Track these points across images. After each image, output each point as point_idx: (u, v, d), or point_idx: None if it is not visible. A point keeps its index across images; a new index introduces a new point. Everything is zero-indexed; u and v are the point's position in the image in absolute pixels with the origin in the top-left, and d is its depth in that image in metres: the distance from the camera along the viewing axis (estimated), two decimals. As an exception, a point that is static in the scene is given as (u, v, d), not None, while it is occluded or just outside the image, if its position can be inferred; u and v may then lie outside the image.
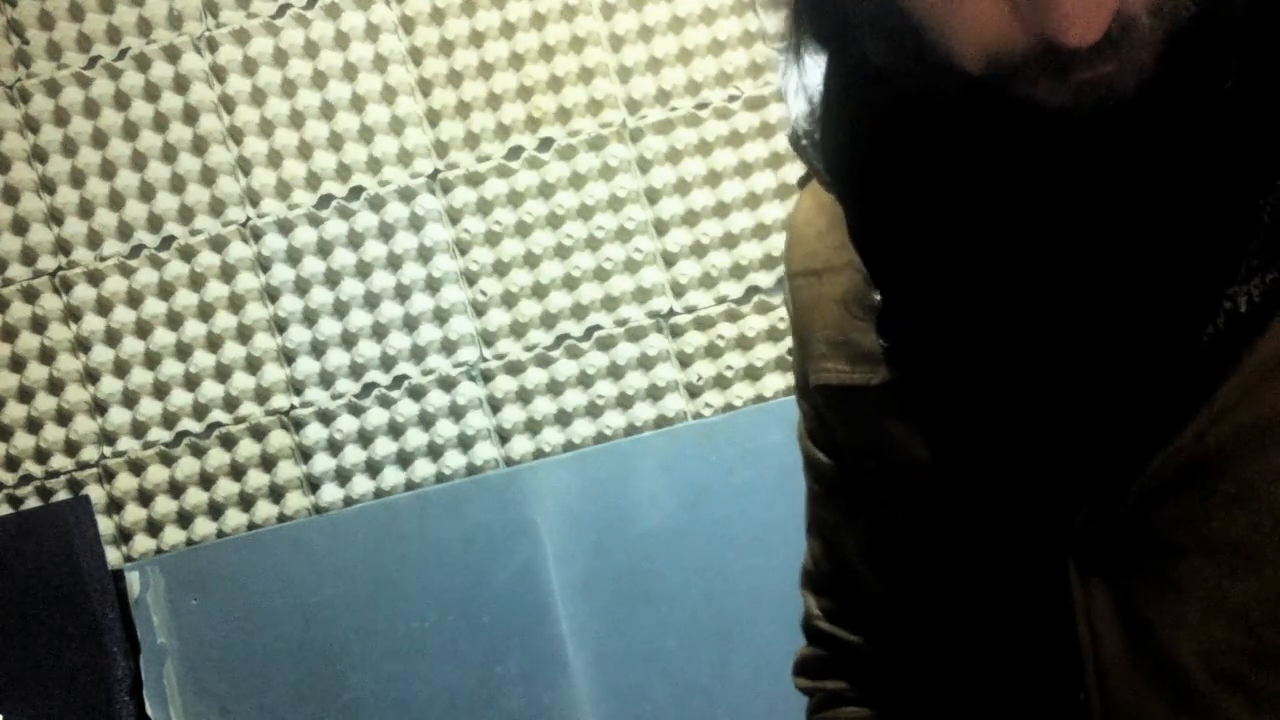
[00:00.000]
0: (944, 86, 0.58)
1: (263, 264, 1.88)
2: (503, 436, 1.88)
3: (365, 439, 1.88)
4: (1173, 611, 0.61)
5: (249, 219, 1.88)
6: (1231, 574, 0.59)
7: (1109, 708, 0.65)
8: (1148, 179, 0.57)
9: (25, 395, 1.88)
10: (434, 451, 1.87)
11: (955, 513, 0.70)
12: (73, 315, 1.88)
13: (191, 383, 1.88)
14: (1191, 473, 0.59)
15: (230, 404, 1.88)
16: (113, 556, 1.86)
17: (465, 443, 1.87)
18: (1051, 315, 0.61)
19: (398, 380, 1.88)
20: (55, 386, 1.88)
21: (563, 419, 1.87)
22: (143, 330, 1.88)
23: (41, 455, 1.88)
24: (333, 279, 1.88)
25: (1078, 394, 0.61)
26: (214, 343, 1.88)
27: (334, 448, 1.88)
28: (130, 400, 1.88)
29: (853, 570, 0.85)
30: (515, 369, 1.88)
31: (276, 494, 1.88)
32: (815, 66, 0.68)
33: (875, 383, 0.73)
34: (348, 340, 1.88)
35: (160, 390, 1.88)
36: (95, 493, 1.87)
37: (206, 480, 1.88)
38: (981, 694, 0.81)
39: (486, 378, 1.88)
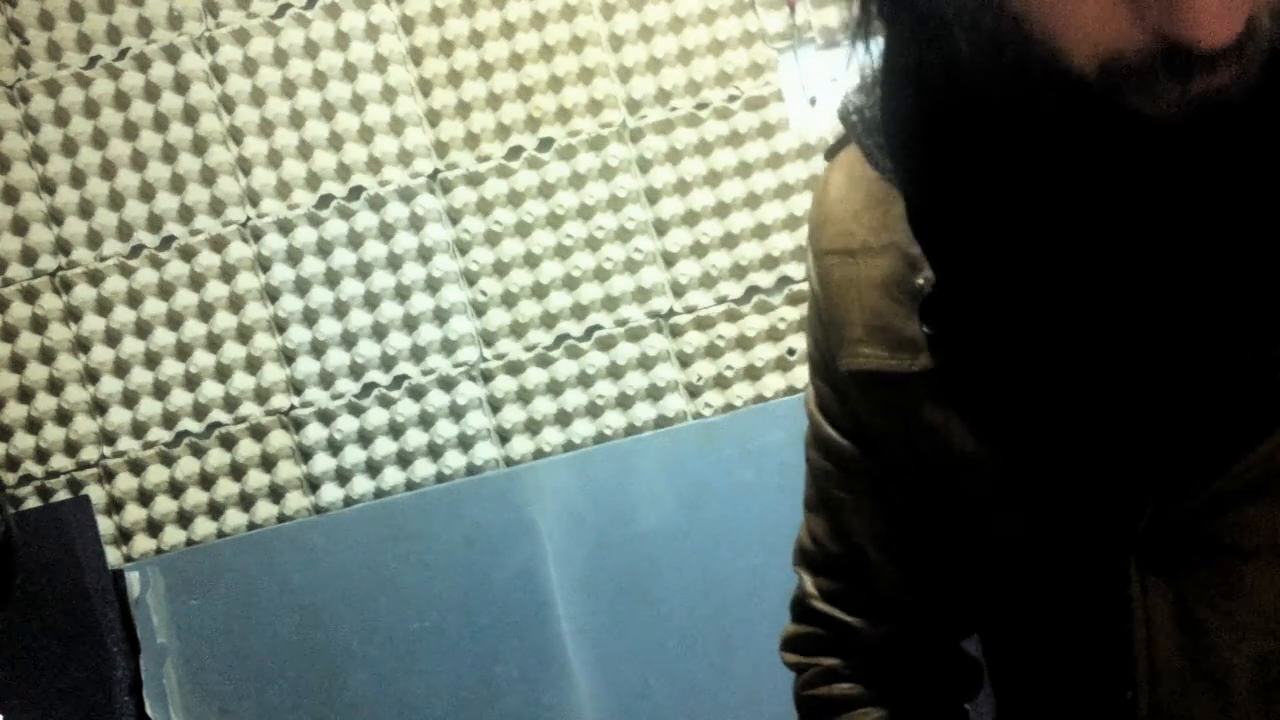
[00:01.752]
0: (1042, 88, 0.55)
1: (263, 264, 1.88)
2: (503, 436, 1.88)
3: (365, 439, 1.88)
4: (1232, 616, 0.61)
5: (249, 219, 1.88)
6: None
7: (1156, 708, 0.64)
8: (1243, 190, 0.56)
9: (25, 395, 1.88)
10: (434, 451, 1.87)
11: (1004, 503, 0.69)
12: (73, 315, 1.88)
13: (191, 383, 1.88)
14: (1267, 481, 0.59)
15: (230, 404, 1.88)
16: (113, 556, 1.86)
17: (465, 443, 1.87)
18: (1132, 317, 0.60)
19: (398, 380, 1.88)
20: (55, 386, 1.88)
21: (563, 419, 1.87)
22: (143, 330, 1.88)
23: (41, 455, 1.88)
24: (333, 279, 1.88)
25: (1154, 395, 0.61)
26: (214, 343, 1.88)
27: (334, 448, 1.88)
28: (130, 400, 1.88)
29: (862, 552, 0.84)
30: (515, 369, 1.88)
31: (276, 494, 1.88)
32: (869, 37, 0.65)
33: (915, 369, 0.71)
34: (348, 340, 1.88)
35: (160, 390, 1.88)
36: (95, 493, 1.87)
37: (206, 480, 1.88)
38: (1011, 680, 0.80)
39: (486, 378, 1.88)
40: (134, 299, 1.88)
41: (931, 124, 0.63)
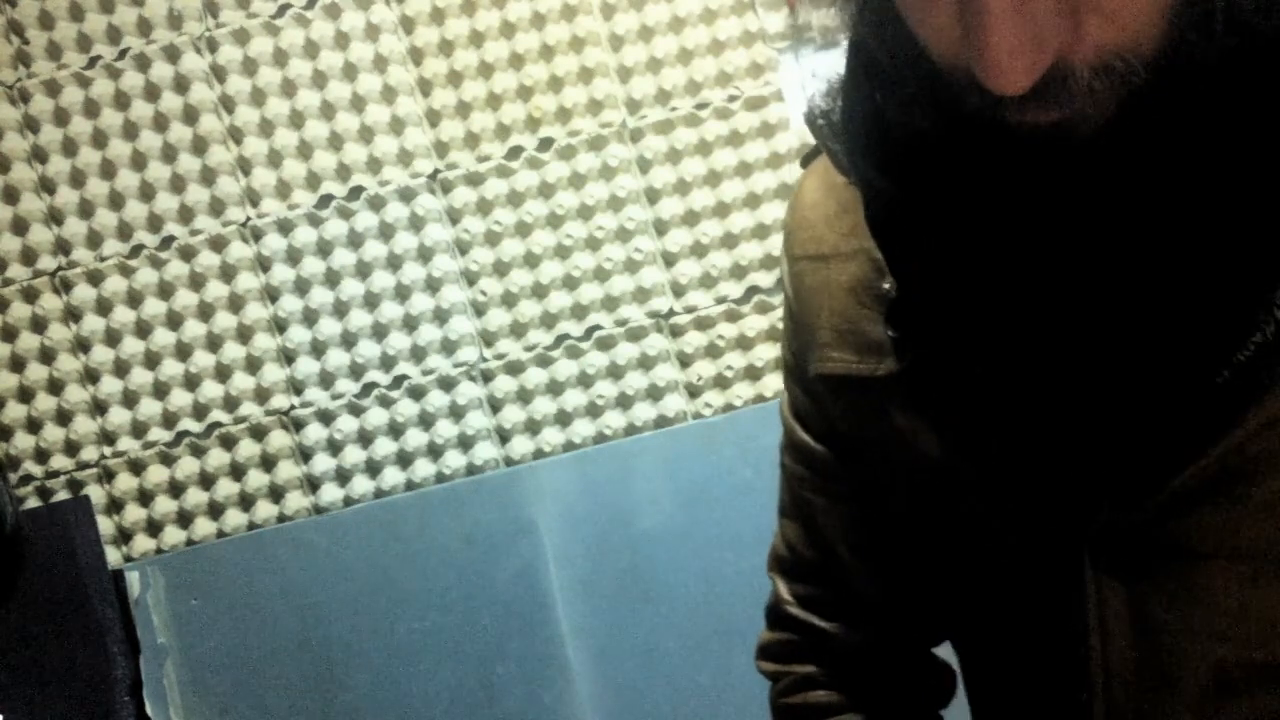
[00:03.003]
0: (931, 90, 0.57)
1: (263, 264, 1.88)
2: (503, 436, 1.88)
3: (365, 439, 1.88)
4: (1189, 617, 0.61)
5: (249, 219, 1.88)
6: (1254, 581, 0.59)
7: (1111, 710, 0.64)
8: (1148, 193, 0.56)
9: (25, 395, 1.88)
10: (434, 451, 1.87)
11: (965, 505, 0.70)
12: (73, 315, 1.88)
13: (191, 383, 1.88)
14: (1225, 480, 0.59)
15: (230, 404, 1.88)
16: (113, 556, 1.86)
17: (465, 443, 1.87)
18: (1081, 319, 0.60)
19: (398, 380, 1.88)
20: (55, 386, 1.88)
21: (563, 419, 1.87)
22: (143, 330, 1.88)
23: (41, 455, 1.88)
24: (333, 279, 1.88)
25: (1107, 395, 0.60)
26: (214, 343, 1.88)
27: (334, 448, 1.88)
28: (130, 400, 1.88)
29: (836, 556, 0.84)
30: (515, 369, 1.88)
31: (276, 494, 1.88)
32: (835, 46, 0.67)
33: (881, 373, 0.72)
34: (348, 340, 1.88)
35: (160, 390, 1.88)
36: (95, 493, 1.87)
37: (206, 480, 1.88)
38: (979, 685, 0.80)
39: (486, 378, 1.88)
40: (134, 299, 1.88)
41: (880, 130, 0.64)
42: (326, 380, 1.88)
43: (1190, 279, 0.57)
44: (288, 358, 1.88)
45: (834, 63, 0.66)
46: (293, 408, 1.88)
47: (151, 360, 1.88)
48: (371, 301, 1.88)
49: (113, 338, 1.88)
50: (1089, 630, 0.64)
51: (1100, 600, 0.63)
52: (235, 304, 1.88)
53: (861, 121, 0.65)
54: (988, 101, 0.53)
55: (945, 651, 0.87)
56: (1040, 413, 0.63)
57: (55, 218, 1.89)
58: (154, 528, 1.87)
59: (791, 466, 0.86)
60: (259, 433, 1.88)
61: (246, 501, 1.88)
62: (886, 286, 0.70)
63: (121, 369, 1.88)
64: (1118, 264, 0.58)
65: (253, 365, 1.88)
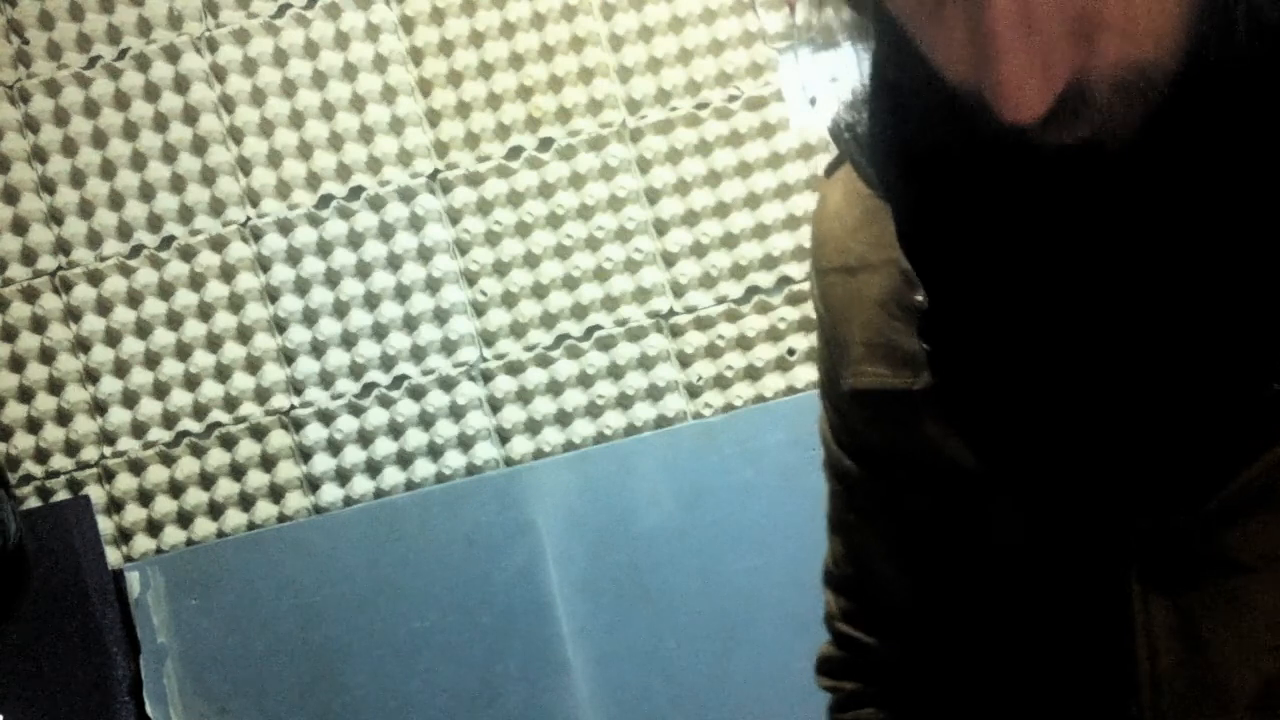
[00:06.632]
0: (951, 109, 0.57)
1: (263, 264, 1.88)
2: (503, 436, 1.88)
3: (365, 439, 1.88)
4: (1236, 631, 0.60)
5: (249, 219, 1.88)
6: None
7: None
8: (1182, 204, 0.56)
9: (25, 395, 1.88)
10: (434, 451, 1.87)
11: (1004, 520, 0.69)
12: (73, 315, 1.88)
13: (191, 383, 1.88)
14: (1268, 494, 0.58)
15: (230, 404, 1.88)
16: (113, 556, 1.86)
17: (465, 443, 1.87)
18: (1121, 332, 0.59)
19: (398, 380, 1.88)
20: (55, 386, 1.88)
21: (563, 419, 1.87)
22: (143, 330, 1.88)
23: (41, 455, 1.88)
24: (333, 279, 1.88)
25: (1150, 410, 0.60)
26: (214, 343, 1.88)
27: (334, 448, 1.88)
28: (130, 400, 1.88)
29: (874, 572, 0.84)
30: (515, 369, 1.88)
31: (276, 494, 1.88)
32: (856, 54, 0.66)
33: (917, 387, 0.70)
34: (348, 340, 1.88)
35: (160, 390, 1.88)
36: (95, 493, 1.87)
37: (206, 480, 1.88)
38: (1021, 702, 0.80)
39: (486, 378, 1.88)
40: (134, 299, 1.88)
41: (909, 144, 0.63)
42: (326, 380, 1.88)
43: (1232, 289, 0.56)
44: (288, 358, 1.88)
45: (855, 72, 0.66)
46: (293, 408, 1.88)
47: (151, 360, 1.88)
48: (371, 301, 1.88)
49: (113, 338, 1.88)
50: (1136, 644, 0.63)
51: (1147, 614, 0.63)
52: (235, 304, 1.88)
53: (885, 137, 0.65)
54: (1008, 123, 0.53)
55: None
56: (1080, 424, 0.62)
57: (55, 218, 1.89)
58: (154, 528, 1.87)
59: (830, 483, 0.86)
60: (259, 433, 1.88)
61: (246, 501, 1.88)
62: (919, 299, 0.69)
63: (121, 369, 1.88)
64: (1155, 276, 0.57)
65: (253, 365, 1.88)
